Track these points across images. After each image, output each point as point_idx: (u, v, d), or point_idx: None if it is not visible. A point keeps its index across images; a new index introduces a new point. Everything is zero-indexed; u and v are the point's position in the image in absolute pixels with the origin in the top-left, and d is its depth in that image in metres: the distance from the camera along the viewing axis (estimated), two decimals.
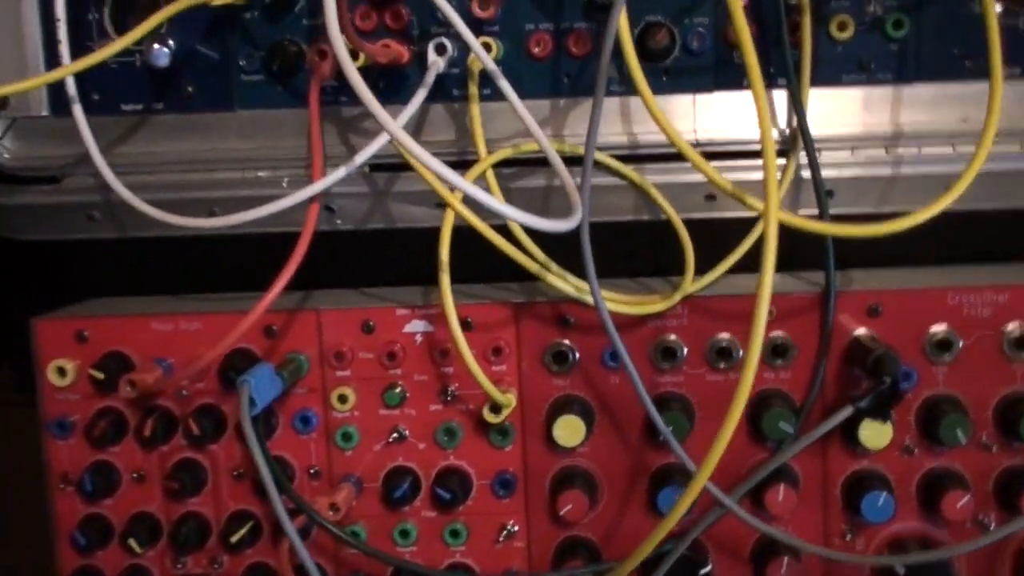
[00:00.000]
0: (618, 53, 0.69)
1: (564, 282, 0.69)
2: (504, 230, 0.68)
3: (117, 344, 0.73)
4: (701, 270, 0.71)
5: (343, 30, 0.59)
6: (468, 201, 0.61)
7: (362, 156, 0.63)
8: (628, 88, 0.71)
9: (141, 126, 0.74)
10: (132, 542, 0.73)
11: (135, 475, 0.74)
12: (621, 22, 0.58)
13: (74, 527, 0.74)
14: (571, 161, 0.68)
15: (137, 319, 0.73)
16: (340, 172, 0.63)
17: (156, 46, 0.69)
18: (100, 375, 0.72)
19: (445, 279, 0.67)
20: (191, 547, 0.74)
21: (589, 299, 0.67)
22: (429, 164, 0.52)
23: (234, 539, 0.73)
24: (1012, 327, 0.69)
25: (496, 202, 0.53)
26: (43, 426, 0.74)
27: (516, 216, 0.53)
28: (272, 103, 0.73)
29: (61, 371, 0.73)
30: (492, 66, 0.65)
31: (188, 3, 0.67)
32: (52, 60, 0.72)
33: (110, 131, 0.73)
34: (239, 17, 0.71)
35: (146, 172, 0.74)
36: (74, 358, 0.73)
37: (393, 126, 0.52)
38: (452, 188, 0.57)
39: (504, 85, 0.64)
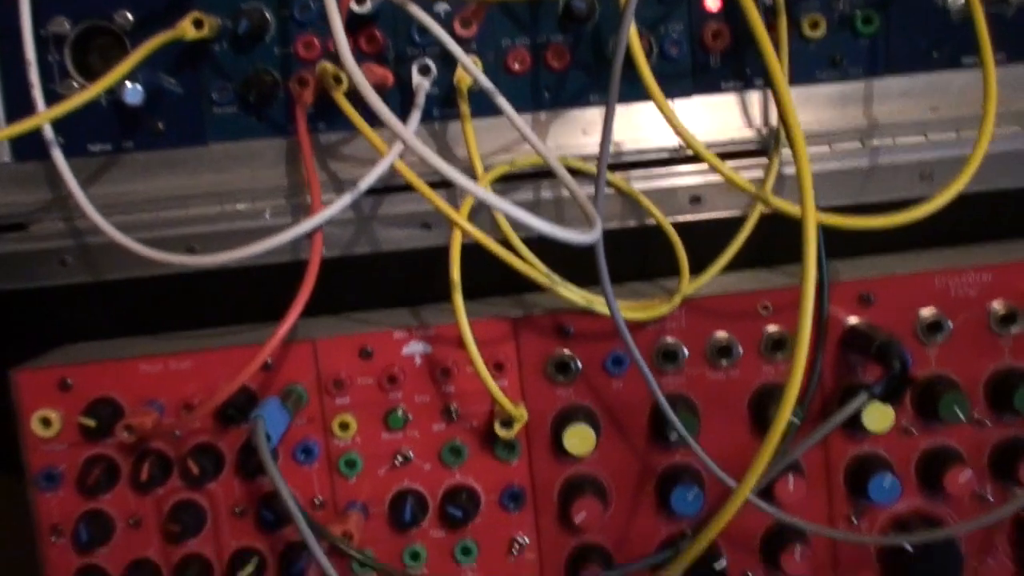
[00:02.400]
0: (596, 63, 0.70)
1: (574, 293, 0.69)
2: (503, 246, 0.67)
3: (104, 390, 0.71)
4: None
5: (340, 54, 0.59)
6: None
7: (367, 180, 0.62)
8: (604, 98, 0.71)
9: (111, 166, 0.73)
10: None
11: (130, 521, 0.72)
12: (632, 33, 0.59)
13: None
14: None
15: (124, 363, 0.72)
16: (345, 199, 0.62)
17: (128, 84, 0.67)
18: (91, 422, 0.70)
19: (458, 298, 0.66)
20: None
21: (600, 308, 0.68)
22: (452, 176, 0.50)
23: None
24: (997, 305, 0.71)
25: (524, 213, 0.51)
26: (29, 479, 0.72)
27: (542, 227, 0.52)
28: (246, 135, 0.72)
29: (46, 421, 0.71)
30: (488, 83, 0.64)
31: (163, 40, 0.65)
32: (13, 105, 0.70)
33: (78, 173, 0.70)
34: (208, 50, 0.70)
35: (119, 212, 0.72)
36: (57, 407, 0.71)
37: (412, 139, 0.51)
38: (474, 201, 0.56)
39: (501, 101, 0.64)
